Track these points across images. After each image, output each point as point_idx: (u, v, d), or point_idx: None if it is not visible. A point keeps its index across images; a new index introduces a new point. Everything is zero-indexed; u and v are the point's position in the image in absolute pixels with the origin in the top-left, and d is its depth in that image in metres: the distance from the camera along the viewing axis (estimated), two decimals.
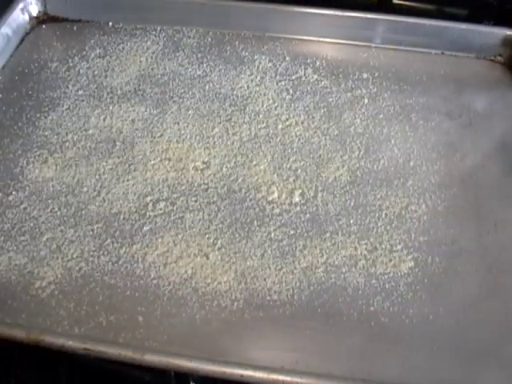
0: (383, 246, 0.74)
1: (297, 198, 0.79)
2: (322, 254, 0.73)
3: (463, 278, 0.71)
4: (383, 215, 0.77)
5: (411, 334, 0.66)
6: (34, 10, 1.04)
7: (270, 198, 0.78)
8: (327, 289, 0.70)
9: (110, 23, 1.03)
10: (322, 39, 1.01)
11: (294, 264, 0.72)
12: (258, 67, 0.96)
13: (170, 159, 0.83)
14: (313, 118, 0.89)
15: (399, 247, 0.74)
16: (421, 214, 0.78)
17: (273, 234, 0.75)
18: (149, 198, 0.78)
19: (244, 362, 0.61)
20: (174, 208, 0.77)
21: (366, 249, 0.74)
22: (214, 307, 0.67)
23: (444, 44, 0.99)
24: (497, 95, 0.93)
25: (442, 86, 0.94)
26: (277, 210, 0.77)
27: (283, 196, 0.79)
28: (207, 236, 0.74)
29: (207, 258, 0.72)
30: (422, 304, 0.69)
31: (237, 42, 1.00)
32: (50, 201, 0.77)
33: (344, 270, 0.71)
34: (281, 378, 0.59)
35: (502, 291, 0.70)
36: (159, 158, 0.83)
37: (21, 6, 1.02)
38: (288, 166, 0.82)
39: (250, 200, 0.78)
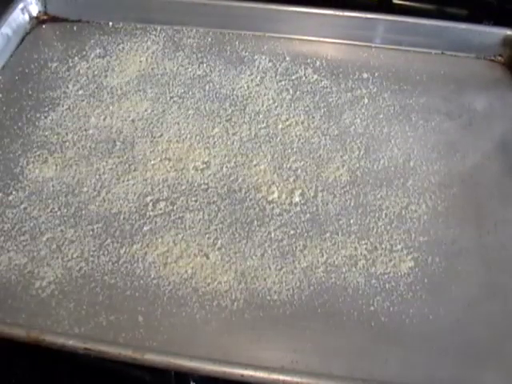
0: (383, 246, 0.74)
1: (297, 198, 0.79)
2: (322, 254, 0.73)
3: (463, 278, 0.71)
4: (383, 215, 0.77)
5: (411, 333, 0.66)
6: (34, 9, 1.04)
7: (269, 198, 0.78)
8: (327, 289, 0.70)
9: (110, 23, 1.03)
10: (322, 39, 1.01)
11: (294, 264, 0.72)
12: (258, 67, 0.96)
13: (170, 159, 0.83)
14: (313, 117, 0.89)
15: (399, 247, 0.74)
16: (421, 213, 0.78)
17: (273, 234, 0.75)
18: (149, 198, 0.78)
19: (244, 362, 0.61)
20: (174, 208, 0.77)
21: (365, 249, 0.74)
22: (214, 307, 0.67)
23: (444, 44, 0.99)
24: (497, 95, 0.93)
25: (442, 86, 0.94)
26: (277, 210, 0.77)
27: (283, 196, 0.79)
28: (207, 236, 0.74)
29: (207, 258, 0.72)
30: (422, 304, 0.69)
31: (237, 42, 1.00)
32: (49, 201, 0.77)
33: (344, 270, 0.71)
34: (281, 377, 0.59)
35: (501, 291, 0.70)
36: (159, 158, 0.83)
37: (21, 6, 1.02)
38: (288, 166, 0.82)
39: (250, 200, 0.78)
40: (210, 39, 1.01)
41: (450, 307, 0.68)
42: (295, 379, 0.59)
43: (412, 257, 0.73)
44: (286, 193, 0.79)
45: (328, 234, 0.75)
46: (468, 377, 0.64)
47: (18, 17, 1.01)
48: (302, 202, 0.78)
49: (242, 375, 0.59)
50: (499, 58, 0.99)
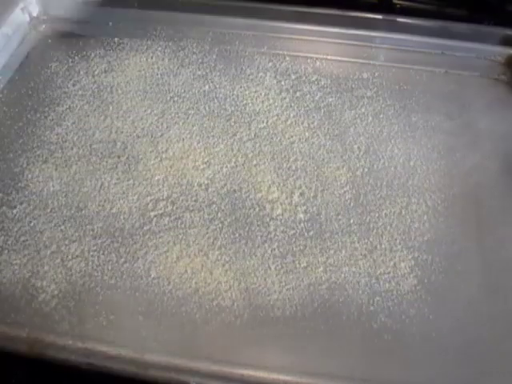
0: (383, 246, 0.74)
1: (297, 198, 0.79)
2: (322, 254, 0.73)
3: (463, 278, 0.71)
4: (383, 215, 0.77)
5: (411, 333, 0.66)
6: (35, 10, 1.04)
7: (269, 198, 0.78)
8: (327, 289, 0.70)
9: (110, 23, 1.03)
10: (322, 39, 1.01)
11: (294, 264, 0.72)
12: (258, 67, 0.96)
13: (170, 159, 0.83)
14: (313, 117, 0.89)
15: (399, 247, 0.74)
16: (421, 214, 0.78)
17: (273, 234, 0.75)
18: (149, 198, 0.78)
19: (244, 362, 0.61)
20: (174, 208, 0.77)
21: (365, 249, 0.74)
22: (214, 307, 0.67)
23: (448, 63, 0.99)
24: (497, 94, 0.93)
25: (442, 86, 0.94)
26: (277, 210, 0.77)
27: (283, 196, 0.79)
28: (207, 236, 0.74)
29: (207, 258, 0.72)
30: (422, 304, 0.69)
31: (237, 42, 1.00)
32: (49, 201, 0.77)
33: (344, 270, 0.71)
34: (281, 377, 0.59)
35: (501, 291, 0.70)
36: (159, 158, 0.83)
37: (21, 5, 1.02)
38: (288, 166, 0.82)
39: (250, 200, 0.78)
40: (210, 39, 1.01)
41: (450, 307, 0.68)
42: (295, 379, 0.59)
43: (412, 257, 0.73)
44: (286, 193, 0.79)
45: (328, 234, 0.75)
46: (468, 377, 0.64)
47: (19, 17, 1.01)
48: (302, 201, 0.78)
49: (242, 375, 0.59)
50: (503, 77, 0.98)
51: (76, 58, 0.97)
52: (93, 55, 0.98)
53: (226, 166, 0.82)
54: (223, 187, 0.79)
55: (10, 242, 0.73)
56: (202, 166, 0.82)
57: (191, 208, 0.77)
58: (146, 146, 0.84)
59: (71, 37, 1.02)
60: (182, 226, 0.75)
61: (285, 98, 0.91)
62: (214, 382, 0.61)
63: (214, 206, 0.77)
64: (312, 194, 0.79)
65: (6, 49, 0.97)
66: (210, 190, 0.79)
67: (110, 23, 1.03)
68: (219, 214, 0.76)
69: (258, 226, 0.75)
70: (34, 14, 1.04)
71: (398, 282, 0.70)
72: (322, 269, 0.71)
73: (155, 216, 0.76)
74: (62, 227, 0.74)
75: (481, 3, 1.10)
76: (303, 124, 0.88)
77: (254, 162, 0.83)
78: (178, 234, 0.74)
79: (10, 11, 1.00)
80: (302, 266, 0.72)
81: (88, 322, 0.65)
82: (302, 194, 0.79)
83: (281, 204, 0.78)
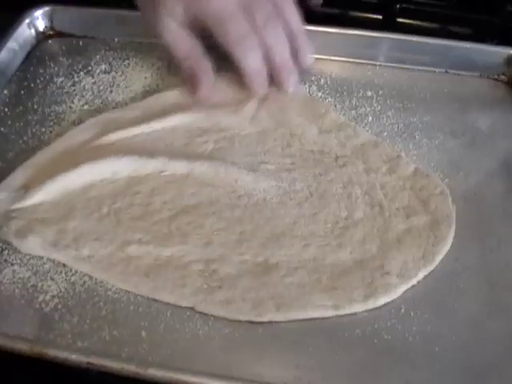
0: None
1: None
2: None
3: (466, 296, 0.71)
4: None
5: (414, 351, 0.66)
6: (41, 25, 1.04)
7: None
8: None
9: (116, 39, 1.03)
10: (326, 57, 1.01)
11: None
12: None
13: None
14: None
15: None
16: None
17: None
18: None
19: (247, 378, 0.61)
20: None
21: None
22: (217, 323, 0.67)
23: (448, 62, 0.99)
24: (500, 114, 0.93)
25: (446, 105, 0.94)
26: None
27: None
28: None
29: None
30: (425, 321, 0.68)
31: None
32: None
33: None
34: None
35: (505, 309, 0.70)
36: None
37: (27, 20, 1.02)
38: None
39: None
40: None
41: (453, 325, 0.68)
42: None
43: None
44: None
45: None
46: None
47: (25, 32, 1.02)
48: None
49: None
50: (503, 77, 0.99)
51: (76, 58, 0.98)
52: (93, 55, 0.99)
53: None
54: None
55: (14, 256, 0.73)
56: None
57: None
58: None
59: (71, 37, 1.03)
60: None
61: None
62: None
63: None
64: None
65: (12, 63, 0.98)
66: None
67: (116, 39, 1.03)
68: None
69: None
70: (41, 29, 1.04)
71: (400, 300, 0.70)
72: None
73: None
74: None
75: (485, 22, 1.11)
76: None
77: None
78: None
79: (17, 26, 1.01)
80: None
81: (91, 337, 0.65)
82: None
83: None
